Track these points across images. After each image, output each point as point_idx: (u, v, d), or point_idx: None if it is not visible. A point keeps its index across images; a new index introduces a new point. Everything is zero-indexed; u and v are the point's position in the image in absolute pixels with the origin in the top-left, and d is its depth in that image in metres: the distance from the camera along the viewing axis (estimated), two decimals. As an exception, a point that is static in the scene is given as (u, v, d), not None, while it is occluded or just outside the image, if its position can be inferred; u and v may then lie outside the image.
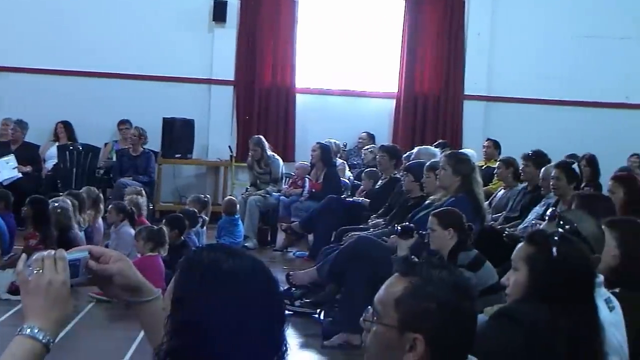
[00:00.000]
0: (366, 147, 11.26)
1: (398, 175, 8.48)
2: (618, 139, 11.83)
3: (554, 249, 2.83)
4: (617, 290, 3.44)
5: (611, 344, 3.00)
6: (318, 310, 6.59)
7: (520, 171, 8.16)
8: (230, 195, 10.63)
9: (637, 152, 10.93)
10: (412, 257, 2.15)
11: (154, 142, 11.38)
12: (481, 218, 6.37)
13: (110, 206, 8.19)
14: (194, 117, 11.74)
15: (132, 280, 2.06)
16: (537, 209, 7.14)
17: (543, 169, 7.42)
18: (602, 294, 3.16)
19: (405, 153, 9.34)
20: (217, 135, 12.24)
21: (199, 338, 1.68)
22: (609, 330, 2.96)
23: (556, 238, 2.89)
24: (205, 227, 8.57)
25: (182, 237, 7.45)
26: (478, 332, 2.20)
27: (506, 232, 6.63)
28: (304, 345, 5.94)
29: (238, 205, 9.54)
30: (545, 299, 2.78)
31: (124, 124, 11.70)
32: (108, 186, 11.02)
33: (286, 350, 1.81)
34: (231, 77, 12.35)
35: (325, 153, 10.04)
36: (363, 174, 9.79)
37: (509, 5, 12.50)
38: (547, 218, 3.64)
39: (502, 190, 8.56)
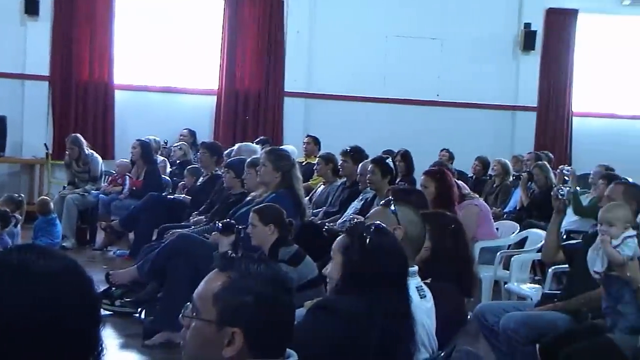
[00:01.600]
0: (175, 144, 11.32)
1: (219, 172, 8.47)
2: (430, 134, 12.36)
3: (368, 239, 2.92)
4: (428, 280, 3.60)
5: (422, 330, 3.14)
6: (139, 310, 6.49)
7: (339, 167, 8.35)
8: (46, 195, 10.27)
9: (446, 147, 11.44)
10: (232, 252, 2.16)
11: (-37, 140, 10.83)
12: (301, 213, 6.47)
13: None
14: (6, 113, 11.27)
15: None
16: (355, 204, 7.34)
17: (360, 164, 7.63)
18: (415, 283, 3.30)
19: (226, 150, 9.34)
20: (31, 132, 11.79)
21: (7, 341, 1.63)
22: (420, 317, 3.10)
23: (372, 230, 2.97)
24: (19, 227, 8.22)
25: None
26: (297, 325, 2.24)
27: (326, 227, 6.76)
28: (124, 346, 5.83)
29: (52, 204, 9.22)
30: (360, 289, 2.86)
31: None
32: None
33: (102, 351, 1.77)
34: (46, 72, 11.92)
35: (145, 150, 9.88)
36: (185, 171, 9.72)
37: (327, 4, 12.75)
38: (382, 203, 3.77)
39: (322, 186, 8.73)
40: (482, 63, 12.96)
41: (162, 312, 5.83)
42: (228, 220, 5.80)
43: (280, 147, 8.75)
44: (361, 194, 7.44)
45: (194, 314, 2.03)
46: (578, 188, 8.89)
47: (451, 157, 11.21)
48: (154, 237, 7.93)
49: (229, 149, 9.30)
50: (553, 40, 13.23)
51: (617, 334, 4.06)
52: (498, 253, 7.07)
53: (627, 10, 13.32)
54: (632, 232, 4.12)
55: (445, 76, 12.91)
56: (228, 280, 2.01)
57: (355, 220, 5.40)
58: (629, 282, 4.03)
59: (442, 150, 11.36)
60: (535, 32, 13.09)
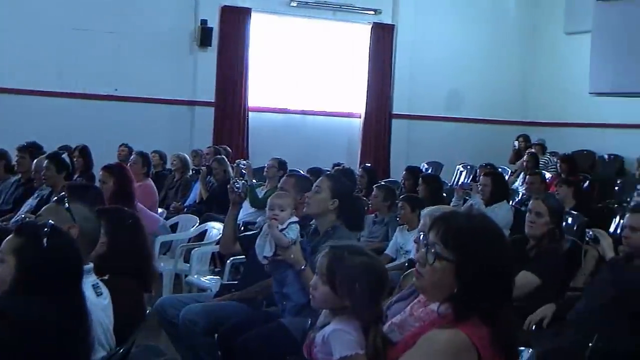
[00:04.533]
0: None
1: None
2: (109, 129, 12.17)
3: (45, 240, 2.83)
4: (106, 277, 3.57)
5: (99, 329, 3.12)
6: None
7: (16, 163, 8.01)
8: None
9: (125, 142, 11.28)
10: None
11: None
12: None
13: None
14: None
15: None
16: (30, 201, 7.07)
17: (35, 160, 7.37)
18: (91, 280, 3.26)
19: None
20: None
21: None
22: (97, 315, 3.07)
23: (46, 229, 2.88)
24: None
25: None
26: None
27: (-2, 226, 6.45)
28: None
29: None
30: (35, 291, 2.77)
31: None
32: None
33: None
34: None
35: None
36: None
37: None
38: (54, 200, 3.67)
39: (-7, 184, 8.31)
40: (160, 58, 13.02)
41: None
42: None
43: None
44: (37, 191, 7.18)
45: None
46: (254, 181, 9.25)
47: (130, 153, 11.07)
48: None
49: None
50: (228, 37, 13.59)
51: (287, 317, 4.32)
52: (178, 246, 7.18)
53: (294, 11, 14.06)
54: (295, 218, 4.46)
55: (123, 71, 12.78)
56: None
57: (27, 219, 5.19)
58: (293, 264, 4.32)
59: (121, 146, 11.22)
60: (211, 28, 13.36)
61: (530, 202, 5.56)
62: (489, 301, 2.41)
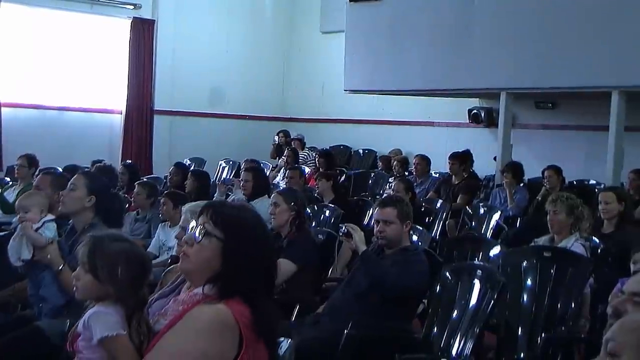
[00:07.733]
0: None
1: None
2: None
3: None
4: None
5: None
6: None
7: None
8: None
9: None
10: None
11: None
12: None
13: None
14: None
15: None
16: None
17: None
18: None
19: None
20: None
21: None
22: None
23: None
24: None
25: None
26: None
27: None
28: None
29: None
30: None
31: None
32: None
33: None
34: None
35: None
36: None
37: None
38: None
39: None
40: None
41: None
42: None
43: None
44: None
45: None
46: (8, 179, 8.85)
47: None
48: None
49: None
50: (-24, 29, 12.86)
51: (43, 320, 4.17)
52: None
53: (48, 3, 13.48)
54: (51, 216, 4.34)
55: None
56: None
57: None
58: (50, 265, 4.18)
59: None
60: (-44, 18, 12.59)
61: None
62: (251, 282, 2.50)
